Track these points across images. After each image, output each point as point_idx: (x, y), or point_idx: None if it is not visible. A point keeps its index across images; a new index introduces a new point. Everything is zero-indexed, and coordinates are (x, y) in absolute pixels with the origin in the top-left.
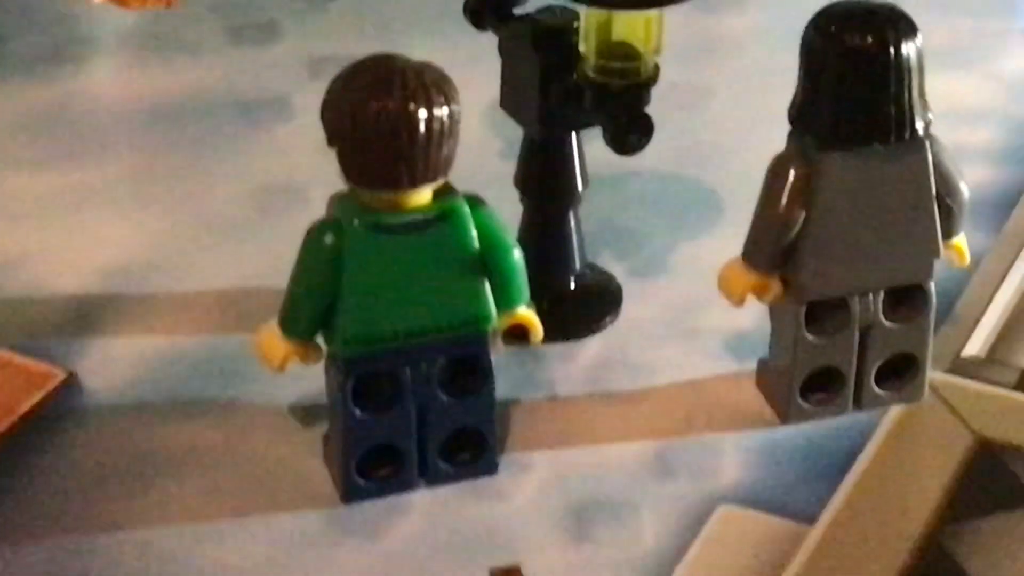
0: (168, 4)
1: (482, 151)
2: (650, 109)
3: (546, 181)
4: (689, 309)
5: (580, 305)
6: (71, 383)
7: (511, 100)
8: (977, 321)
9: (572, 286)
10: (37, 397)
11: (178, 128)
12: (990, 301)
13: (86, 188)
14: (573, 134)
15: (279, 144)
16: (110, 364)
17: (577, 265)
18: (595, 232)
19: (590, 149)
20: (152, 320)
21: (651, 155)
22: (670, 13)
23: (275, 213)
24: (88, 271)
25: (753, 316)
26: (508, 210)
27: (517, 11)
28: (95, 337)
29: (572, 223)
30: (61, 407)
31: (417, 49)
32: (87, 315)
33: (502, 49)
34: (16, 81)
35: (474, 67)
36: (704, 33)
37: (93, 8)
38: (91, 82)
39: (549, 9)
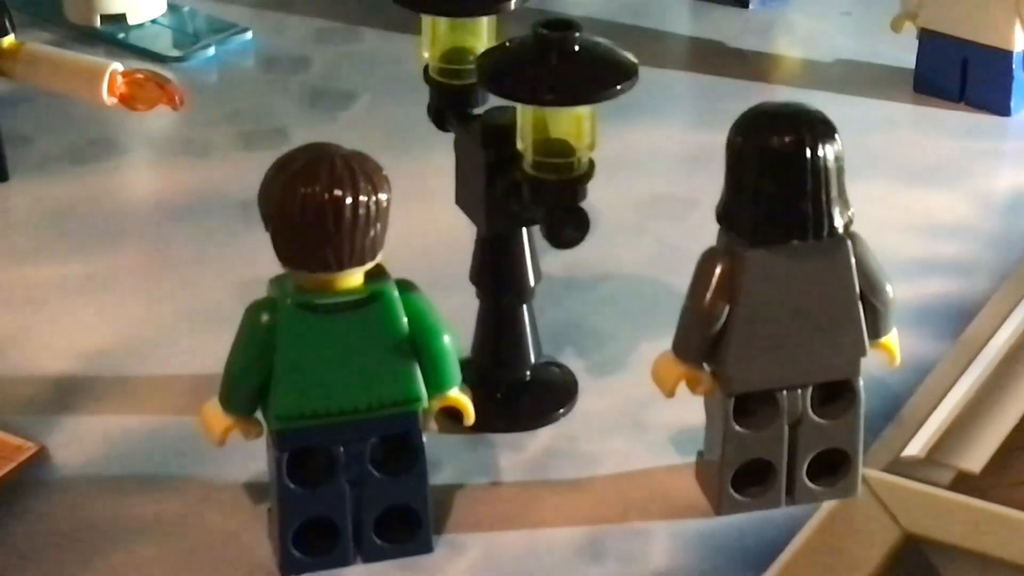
0: (175, 107)
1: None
2: (632, 218)
3: (498, 276)
4: (641, 405)
5: (534, 397)
6: (41, 456)
7: (463, 197)
8: (921, 423)
9: (527, 378)
10: (6, 468)
11: (181, 224)
12: (937, 405)
13: (85, 278)
14: (524, 231)
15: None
16: (80, 440)
17: (532, 358)
18: (561, 330)
19: (567, 253)
20: (124, 401)
21: (628, 261)
22: (666, 128)
23: None
24: (72, 354)
25: (700, 412)
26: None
27: (476, 112)
28: (69, 415)
29: (526, 317)
30: (30, 479)
31: (421, 155)
32: (65, 394)
33: (456, 147)
34: (37, 179)
35: None
36: (696, 148)
37: (112, 112)
38: (106, 181)
39: (499, 108)
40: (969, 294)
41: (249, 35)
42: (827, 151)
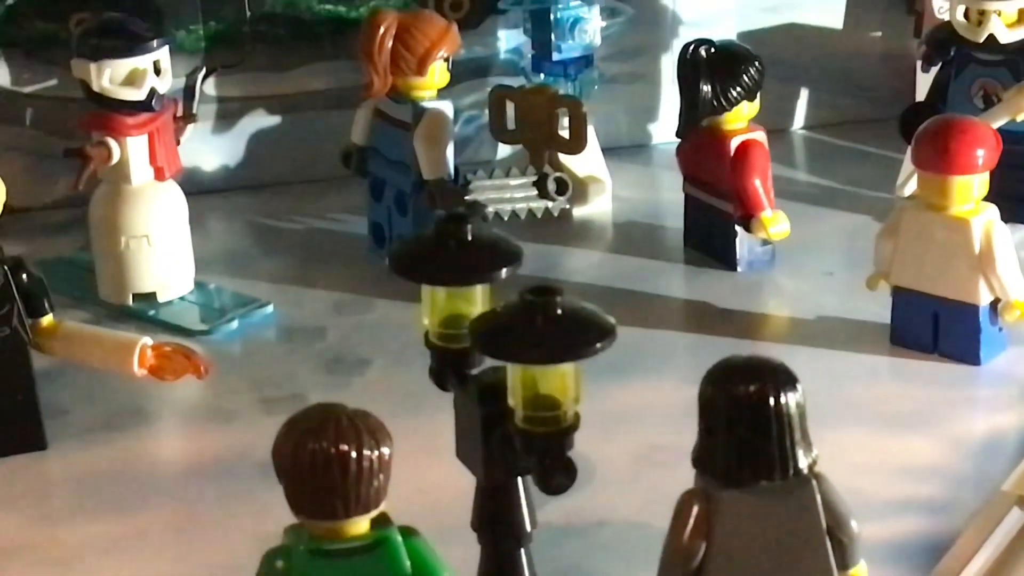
0: (200, 377)
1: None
2: (627, 468)
3: (496, 523)
4: None
5: None
6: None
7: (463, 450)
8: None
9: None
10: None
11: (207, 485)
12: None
13: (117, 537)
14: (519, 480)
15: None
16: None
17: None
18: (560, 574)
19: (566, 500)
20: None
21: (622, 508)
22: (660, 384)
23: None
24: None
25: None
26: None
27: (472, 372)
28: None
29: (524, 561)
30: None
31: (427, 414)
32: None
33: (456, 405)
34: (73, 447)
35: None
36: (687, 402)
37: (143, 382)
38: (138, 447)
39: (493, 368)
40: (943, 531)
41: (270, 308)
42: (789, 399)
